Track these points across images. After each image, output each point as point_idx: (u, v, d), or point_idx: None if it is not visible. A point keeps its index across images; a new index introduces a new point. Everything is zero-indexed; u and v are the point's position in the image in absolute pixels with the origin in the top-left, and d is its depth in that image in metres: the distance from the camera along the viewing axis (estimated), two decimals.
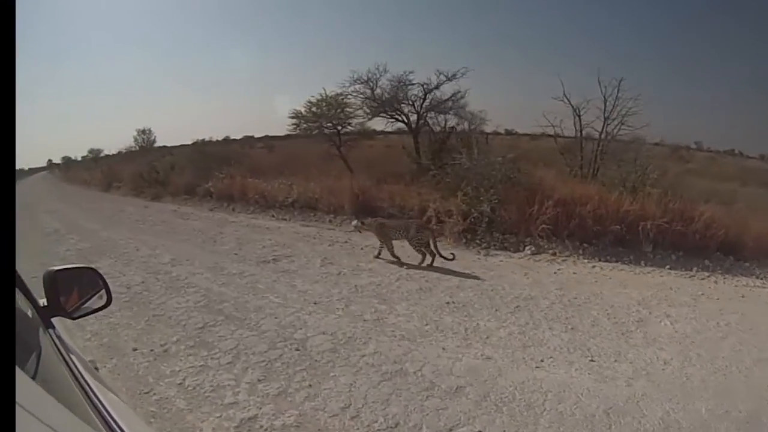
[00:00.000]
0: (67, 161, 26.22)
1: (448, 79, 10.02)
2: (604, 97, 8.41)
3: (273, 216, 9.44)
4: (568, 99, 8.66)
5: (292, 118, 11.38)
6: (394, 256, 6.00)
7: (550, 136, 9.46)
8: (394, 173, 9.30)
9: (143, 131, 18.73)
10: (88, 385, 1.07)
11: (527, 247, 6.57)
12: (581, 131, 8.89)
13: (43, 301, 1.36)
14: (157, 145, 18.86)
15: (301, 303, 4.78)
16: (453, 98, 10.10)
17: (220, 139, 18.70)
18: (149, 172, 14.05)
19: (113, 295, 1.68)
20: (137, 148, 18.88)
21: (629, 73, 8.52)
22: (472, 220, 6.81)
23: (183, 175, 12.68)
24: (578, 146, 8.87)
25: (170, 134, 19.15)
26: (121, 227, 9.05)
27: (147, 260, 6.55)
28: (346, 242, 7.33)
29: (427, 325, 4.27)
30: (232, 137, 18.51)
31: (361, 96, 10.52)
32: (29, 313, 1.18)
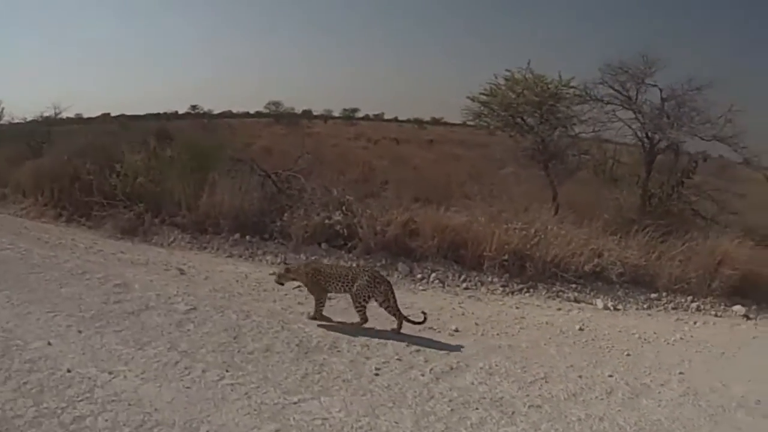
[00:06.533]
0: None
1: (691, 90, 7.28)
2: None
3: (605, 306, 4.85)
4: None
5: (481, 100, 7.44)
6: (319, 316, 4.16)
7: None
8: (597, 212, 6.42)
9: None
10: None
11: None
12: None
13: None
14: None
15: None
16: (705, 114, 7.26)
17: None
18: (103, 172, 6.86)
19: None
20: None
21: None
22: None
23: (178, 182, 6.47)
24: None
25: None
26: None
27: None
28: None
29: None
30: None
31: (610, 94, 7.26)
32: None
